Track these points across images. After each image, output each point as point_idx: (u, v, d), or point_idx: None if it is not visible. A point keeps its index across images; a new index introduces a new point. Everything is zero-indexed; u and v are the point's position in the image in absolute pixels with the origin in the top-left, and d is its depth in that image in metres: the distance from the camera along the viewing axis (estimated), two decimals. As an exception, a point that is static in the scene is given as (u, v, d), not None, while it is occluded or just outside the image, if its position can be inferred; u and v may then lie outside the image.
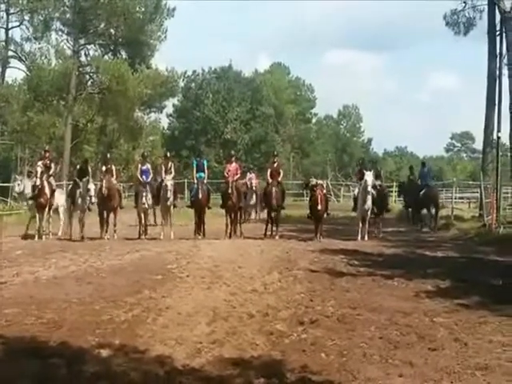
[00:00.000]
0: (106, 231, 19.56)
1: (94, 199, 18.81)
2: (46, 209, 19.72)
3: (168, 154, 22.30)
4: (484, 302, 9.64)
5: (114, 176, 20.28)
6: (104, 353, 6.68)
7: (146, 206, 19.78)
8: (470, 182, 44.11)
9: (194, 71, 68.83)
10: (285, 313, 8.77)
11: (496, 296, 9.99)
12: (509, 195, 25.35)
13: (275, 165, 20.72)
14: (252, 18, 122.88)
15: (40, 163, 19.95)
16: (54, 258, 14.46)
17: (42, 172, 19.47)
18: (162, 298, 9.62)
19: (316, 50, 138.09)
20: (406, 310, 9.02)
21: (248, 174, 27.27)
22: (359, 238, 19.57)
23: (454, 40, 29.04)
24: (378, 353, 6.87)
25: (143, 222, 19.97)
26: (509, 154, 26.24)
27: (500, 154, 25.32)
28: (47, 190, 19.61)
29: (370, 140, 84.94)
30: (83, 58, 46.21)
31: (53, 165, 20.60)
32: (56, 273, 12.23)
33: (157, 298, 9.67)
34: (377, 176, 20.79)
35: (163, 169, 20.31)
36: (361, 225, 19.90)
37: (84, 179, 19.07)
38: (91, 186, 18.84)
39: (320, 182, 21.29)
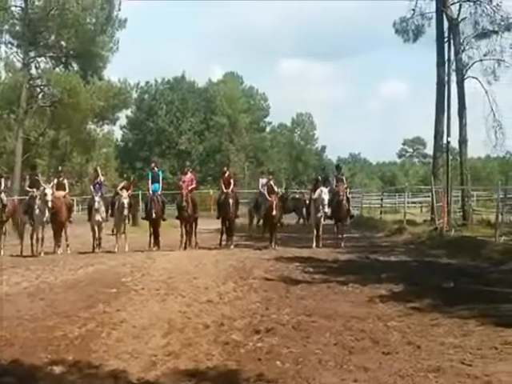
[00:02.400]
0: (59, 246, 19.31)
1: (50, 203, 18.38)
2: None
3: (125, 175, 22.40)
4: (436, 305, 9.82)
5: (66, 190, 20.03)
6: (57, 369, 6.59)
7: (100, 219, 19.57)
8: (422, 187, 44.76)
9: (147, 82, 68.74)
10: (240, 322, 8.77)
11: (448, 298, 10.19)
12: (459, 199, 25.76)
13: (226, 175, 20.76)
14: (204, 29, 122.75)
15: None
16: (5, 274, 14.18)
17: None
18: (117, 312, 9.52)
19: (268, 60, 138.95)
20: (361, 315, 9.12)
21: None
22: (314, 245, 19.71)
23: (404, 47, 29.48)
24: (333, 359, 6.93)
25: (97, 235, 19.76)
26: (458, 159, 26.64)
27: (450, 158, 25.83)
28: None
29: (323, 147, 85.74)
30: (34, 71, 45.37)
31: (2, 180, 20.13)
32: (7, 289, 11.99)
33: (111, 311, 9.57)
34: (338, 180, 20.88)
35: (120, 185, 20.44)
36: (315, 232, 20.06)
37: (39, 190, 18.66)
38: (48, 191, 18.46)
39: (278, 190, 21.39)
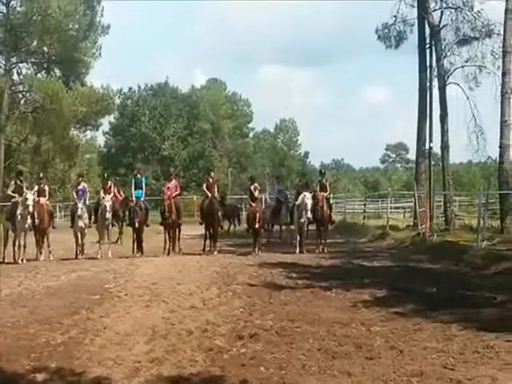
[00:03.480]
0: (41, 253, 19.23)
1: (31, 208, 18.28)
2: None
3: (106, 175, 22.36)
4: (419, 310, 9.88)
5: (47, 196, 19.95)
6: (40, 377, 6.56)
7: (83, 225, 19.48)
8: (405, 192, 45.06)
9: (130, 88, 68.62)
10: (224, 328, 8.77)
11: (430, 303, 10.25)
12: (442, 204, 25.91)
13: (210, 180, 20.75)
14: (187, 35, 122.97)
15: None
16: (-13, 281, 14.09)
17: None
18: (100, 318, 9.49)
19: (251, 66, 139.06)
20: (344, 320, 9.15)
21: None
22: (297, 250, 19.75)
23: (386, 53, 29.72)
24: (316, 364, 6.94)
25: (80, 241, 19.66)
26: (441, 164, 26.80)
27: (432, 163, 26.02)
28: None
29: (306, 153, 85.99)
30: (16, 77, 45.24)
31: None
32: (-11, 297, 11.93)
33: (94, 318, 9.54)
34: (322, 187, 20.93)
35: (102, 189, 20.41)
36: (298, 238, 20.12)
37: (21, 196, 18.55)
38: (29, 197, 18.35)
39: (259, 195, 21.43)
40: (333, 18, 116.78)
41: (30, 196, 18.35)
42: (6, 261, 18.56)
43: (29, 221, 18.30)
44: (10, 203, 19.41)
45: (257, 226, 19.63)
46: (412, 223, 25.23)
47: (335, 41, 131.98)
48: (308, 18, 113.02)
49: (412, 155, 41.31)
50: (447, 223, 23.61)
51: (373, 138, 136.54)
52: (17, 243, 18.58)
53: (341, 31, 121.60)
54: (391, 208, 32.69)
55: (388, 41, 28.57)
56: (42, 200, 19.47)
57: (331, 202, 24.12)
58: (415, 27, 27.37)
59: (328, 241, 21.14)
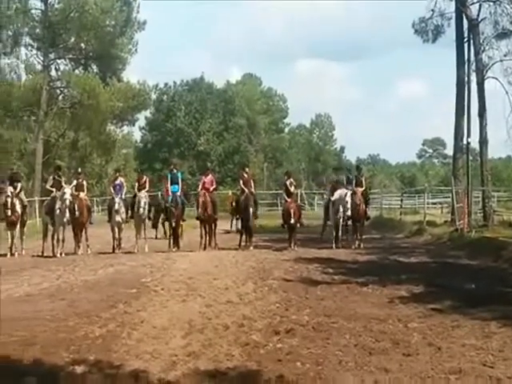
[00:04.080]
0: (79, 247, 19.49)
1: (68, 202, 18.54)
2: (18, 225, 19.55)
3: (140, 169, 22.49)
4: (457, 306, 9.75)
5: (85, 191, 20.22)
6: (78, 369, 6.61)
7: (120, 220, 19.66)
8: (442, 188, 44.55)
9: (166, 84, 68.89)
10: (260, 323, 8.76)
11: (468, 300, 10.13)
12: (480, 199, 25.57)
13: (246, 176, 20.75)
14: (222, 32, 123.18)
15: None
16: (26, 274, 14.30)
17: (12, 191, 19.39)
18: (137, 312, 9.55)
19: (286, 61, 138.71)
20: (381, 316, 9.08)
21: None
22: (334, 246, 19.67)
23: (423, 47, 29.43)
24: (353, 360, 6.89)
25: (117, 236, 19.85)
26: (479, 159, 26.45)
27: (470, 159, 25.65)
28: (18, 207, 19.44)
29: (342, 148, 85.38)
30: (54, 73, 45.85)
31: (19, 184, 20.29)
32: (28, 290, 12.10)
33: (131, 312, 9.61)
34: (358, 183, 20.84)
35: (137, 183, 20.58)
36: (334, 233, 20.04)
37: (60, 191, 18.82)
38: (67, 191, 18.62)
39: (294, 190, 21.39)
40: (368, 12, 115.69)
41: (68, 190, 18.61)
42: (45, 254, 18.86)
43: (67, 215, 18.56)
44: (49, 198, 19.73)
45: (292, 221, 19.58)
46: (450, 219, 24.95)
47: (370, 35, 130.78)
48: (343, 11, 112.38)
49: (449, 150, 40.83)
50: (485, 219, 23.31)
51: (409, 133, 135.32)
52: (55, 237, 18.86)
53: (376, 25, 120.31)
54: (428, 203, 32.37)
55: (425, 35, 28.31)
56: (82, 194, 19.76)
57: (369, 197, 23.92)
58: (453, 21, 27.11)
59: (364, 236, 21.05)
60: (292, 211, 19.58)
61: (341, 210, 19.69)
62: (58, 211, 18.58)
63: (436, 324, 8.54)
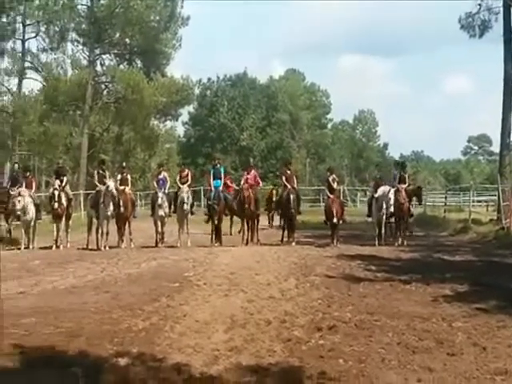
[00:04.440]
0: (122, 240, 19.72)
1: (112, 196, 18.79)
2: (63, 218, 19.91)
3: (182, 163, 22.60)
4: (502, 306, 9.57)
5: (129, 185, 20.45)
6: (122, 361, 6.69)
7: (163, 214, 19.82)
8: (488, 185, 43.83)
9: (209, 79, 69.03)
10: (302, 319, 8.75)
11: (515, 300, 9.93)
12: (527, 198, 25.07)
13: (289, 172, 20.71)
14: (265, 26, 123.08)
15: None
16: (71, 267, 14.56)
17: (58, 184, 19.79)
18: (180, 306, 9.63)
19: (329, 56, 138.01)
20: (424, 314, 8.97)
21: None
22: (376, 243, 19.52)
23: (469, 43, 29.09)
24: (396, 358, 6.84)
25: (160, 230, 20.03)
26: (526, 157, 26.00)
27: (517, 156, 25.19)
28: (64, 200, 19.78)
29: (385, 145, 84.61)
30: (99, 68, 46.47)
31: (65, 178, 20.63)
32: (74, 282, 12.32)
33: (174, 305, 9.69)
34: (401, 180, 20.68)
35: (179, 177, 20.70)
36: (377, 230, 19.88)
37: (104, 185, 19.09)
38: (111, 184, 18.89)
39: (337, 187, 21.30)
40: (412, 7, 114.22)
41: (112, 184, 18.87)
42: (89, 247, 19.15)
43: (111, 208, 18.83)
44: (93, 191, 20.05)
45: (335, 220, 19.48)
46: (495, 217, 24.52)
47: (414, 30, 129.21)
48: (387, 6, 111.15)
49: (496, 147, 40.22)
50: (533, 218, 22.85)
51: (454, 130, 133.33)
52: (100, 230, 19.15)
53: (420, 21, 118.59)
54: (473, 201, 31.87)
55: (472, 30, 27.97)
56: (126, 189, 20.00)
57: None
58: (500, 15, 26.65)
59: (407, 234, 20.83)
60: (334, 210, 19.45)
61: (384, 206, 19.52)
62: (102, 205, 18.88)
63: (481, 324, 8.40)
